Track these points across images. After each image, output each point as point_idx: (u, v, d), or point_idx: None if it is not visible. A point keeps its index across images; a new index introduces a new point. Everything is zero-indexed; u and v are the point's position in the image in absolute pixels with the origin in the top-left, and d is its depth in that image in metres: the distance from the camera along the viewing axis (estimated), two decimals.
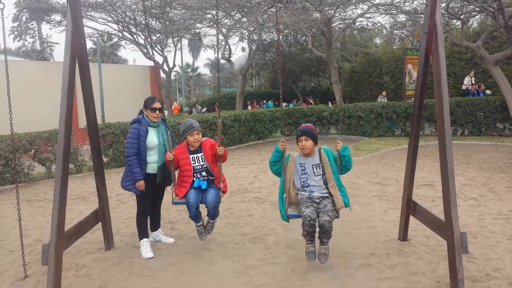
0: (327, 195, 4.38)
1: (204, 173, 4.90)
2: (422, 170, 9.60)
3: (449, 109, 13.08)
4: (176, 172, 5.01)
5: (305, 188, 4.43)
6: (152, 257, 4.97)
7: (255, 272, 4.49)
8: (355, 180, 8.93)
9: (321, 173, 4.43)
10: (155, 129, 5.12)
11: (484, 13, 17.69)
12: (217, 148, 4.81)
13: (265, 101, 31.53)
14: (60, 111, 4.06)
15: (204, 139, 5.03)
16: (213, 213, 4.85)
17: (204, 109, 33.56)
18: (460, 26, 18.96)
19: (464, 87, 19.97)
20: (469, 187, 7.96)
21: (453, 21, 20.79)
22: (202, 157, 4.90)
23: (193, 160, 4.89)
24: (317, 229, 4.24)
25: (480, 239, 5.17)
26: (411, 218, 5.10)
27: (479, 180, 8.57)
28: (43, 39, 43.40)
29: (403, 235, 5.18)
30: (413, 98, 15.87)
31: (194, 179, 4.86)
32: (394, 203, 6.82)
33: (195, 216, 4.81)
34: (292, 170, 4.49)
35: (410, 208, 5.01)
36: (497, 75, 15.91)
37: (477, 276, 4.14)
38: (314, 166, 4.45)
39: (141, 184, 4.96)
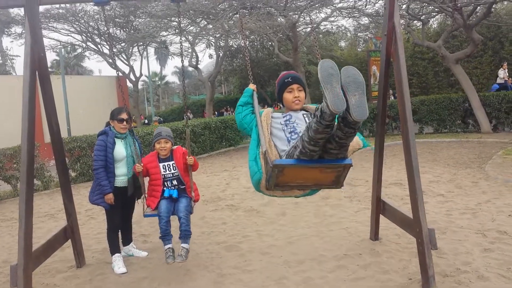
0: None
1: (175, 182, 4.77)
2: (390, 169, 9.80)
3: (414, 108, 13.37)
4: (146, 181, 4.90)
5: (294, 140, 3.19)
6: (125, 272, 4.87)
7: (230, 280, 4.48)
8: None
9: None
10: (122, 140, 5.02)
11: (443, 13, 18.25)
12: (187, 157, 4.73)
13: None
14: (22, 126, 3.95)
15: (175, 147, 4.94)
16: (185, 228, 4.51)
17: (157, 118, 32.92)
18: (421, 27, 19.51)
19: (500, 80, 18.17)
20: (437, 183, 8.17)
21: (414, 22, 21.37)
22: (174, 165, 4.78)
23: (163, 168, 4.77)
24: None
25: (449, 234, 5.30)
26: (382, 217, 5.20)
27: (446, 176, 8.81)
28: (3, 52, 42.17)
29: (375, 235, 5.26)
30: (374, 101, 16.07)
31: (164, 188, 4.71)
32: (364, 203, 6.92)
33: (166, 231, 4.50)
34: (268, 125, 3.37)
35: (379, 207, 5.10)
36: (458, 73, 16.43)
37: (447, 271, 4.24)
38: (305, 115, 3.45)
39: (109, 197, 4.86)
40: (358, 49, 31.04)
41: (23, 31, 23.38)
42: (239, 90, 39.61)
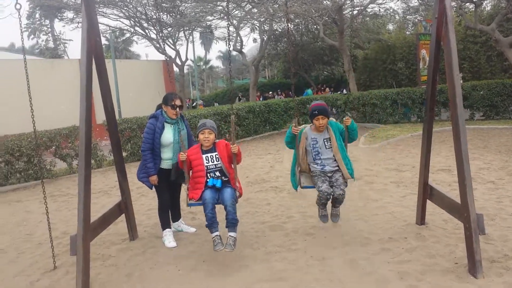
0: (337, 168, 4.88)
1: (217, 173, 4.68)
2: (438, 155, 9.59)
3: (465, 94, 12.98)
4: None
5: (317, 161, 4.91)
6: (175, 247, 5.12)
7: (275, 258, 4.61)
8: (372, 167, 8.97)
9: (331, 146, 4.88)
10: (172, 126, 5.15)
11: None
12: (231, 146, 4.64)
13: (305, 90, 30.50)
14: (80, 108, 4.18)
15: (218, 140, 4.87)
16: (232, 216, 4.44)
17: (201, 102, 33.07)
18: (473, 9, 18.67)
19: None
20: (487, 170, 7.95)
21: (466, 4, 20.46)
22: (217, 156, 4.71)
23: (206, 160, 4.70)
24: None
25: (498, 221, 5.20)
26: (429, 203, 5.16)
27: (497, 163, 8.53)
28: (56, 37, 43.85)
29: (421, 219, 5.23)
30: (423, 86, 15.68)
31: (208, 179, 4.66)
32: (411, 189, 6.86)
33: (212, 217, 4.43)
34: (304, 144, 4.94)
35: (426, 192, 5.06)
36: None
37: (495, 257, 4.19)
38: (325, 140, 4.91)
39: (154, 179, 5.09)
40: (407, 32, 30.06)
41: (75, 16, 24.28)
42: (282, 75, 39.48)
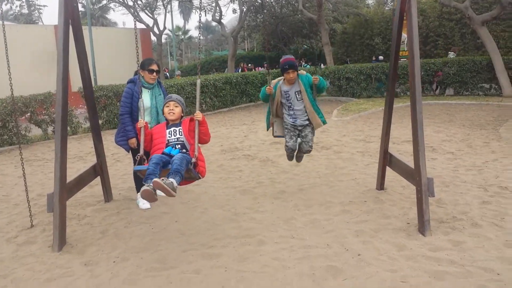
0: (307, 122, 5.27)
1: (178, 147, 4.21)
2: (406, 128, 9.99)
3: (437, 69, 13.34)
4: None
5: (290, 112, 5.28)
6: (148, 208, 5.36)
7: (243, 218, 4.91)
8: (341, 138, 9.32)
9: (302, 98, 5.20)
10: (149, 91, 5.28)
11: None
12: (195, 114, 4.23)
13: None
14: (57, 71, 4.31)
15: (187, 117, 4.48)
16: (177, 167, 3.77)
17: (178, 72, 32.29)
18: None
19: None
20: (449, 142, 8.38)
21: None
22: (180, 130, 4.31)
23: (169, 134, 4.32)
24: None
25: (452, 188, 5.60)
26: (391, 170, 5.50)
27: (459, 136, 8.99)
28: (30, 2, 42.51)
29: (380, 185, 5.60)
30: (402, 59, 15.97)
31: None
32: (375, 158, 7.20)
33: (152, 171, 3.76)
34: (279, 96, 5.28)
35: (386, 159, 5.41)
36: (484, 36, 16.13)
37: (444, 219, 4.57)
38: (296, 93, 5.21)
39: (133, 141, 5.26)
40: (386, 8, 30.33)
41: None
42: (262, 47, 39.34)
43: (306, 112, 5.24)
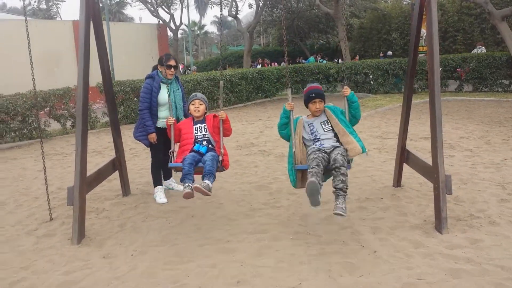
0: (338, 144, 4.16)
1: (205, 143, 4.64)
2: (423, 125, 9.89)
3: (456, 65, 13.23)
4: (177, 146, 4.82)
5: (316, 142, 4.24)
6: (165, 202, 5.42)
7: (259, 214, 4.94)
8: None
9: (330, 128, 4.28)
10: (167, 86, 5.33)
11: None
12: (219, 113, 4.61)
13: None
14: (78, 66, 4.41)
15: (209, 113, 4.91)
16: (210, 168, 4.25)
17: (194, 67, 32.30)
18: None
19: None
20: (467, 139, 8.28)
21: None
22: (205, 127, 4.73)
23: (195, 130, 4.73)
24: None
25: (470, 185, 5.55)
26: (407, 167, 5.47)
27: (478, 133, 8.87)
28: None
29: (397, 182, 5.57)
30: (420, 54, 15.81)
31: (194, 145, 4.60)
32: (392, 155, 7.17)
33: (188, 171, 4.21)
34: (301, 132, 4.34)
35: (403, 156, 5.37)
36: (503, 31, 15.81)
37: (461, 216, 4.54)
38: (322, 123, 4.33)
39: (153, 136, 5.34)
40: (404, 2, 29.95)
41: None
42: (277, 42, 39.22)
43: (336, 139, 4.24)
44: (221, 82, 4.87)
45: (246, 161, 7.40)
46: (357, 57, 24.00)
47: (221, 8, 5.09)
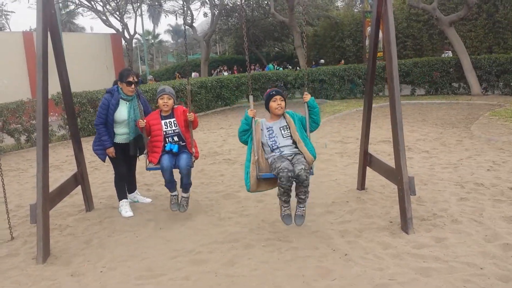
0: (298, 151, 4.28)
1: (175, 138, 4.95)
2: (381, 128, 10.20)
3: (407, 70, 13.74)
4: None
5: (275, 150, 4.30)
6: (131, 216, 5.29)
7: (229, 223, 4.92)
8: (318, 140, 9.42)
9: (289, 134, 4.33)
10: (127, 103, 5.18)
11: None
12: (187, 114, 4.89)
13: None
14: (37, 78, 4.25)
15: (176, 106, 5.10)
16: (186, 181, 4.90)
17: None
18: None
19: None
20: (423, 141, 8.61)
21: None
22: (174, 122, 4.95)
23: (165, 125, 4.94)
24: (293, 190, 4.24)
25: (430, 186, 5.76)
26: (369, 170, 5.62)
27: (433, 135, 9.24)
28: None
29: (361, 185, 5.71)
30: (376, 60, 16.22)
31: (165, 144, 4.91)
32: (354, 159, 7.35)
33: (170, 181, 4.88)
34: (259, 134, 4.37)
35: (366, 160, 5.51)
36: (451, 36, 16.62)
37: (425, 216, 4.70)
38: (281, 128, 4.36)
39: (110, 151, 5.20)
40: (355, 10, 30.87)
41: None
42: (234, 50, 39.38)
43: (295, 146, 4.32)
44: (189, 86, 5.25)
45: (211, 170, 7.36)
46: (342, 61, 24.25)
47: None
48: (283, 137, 4.33)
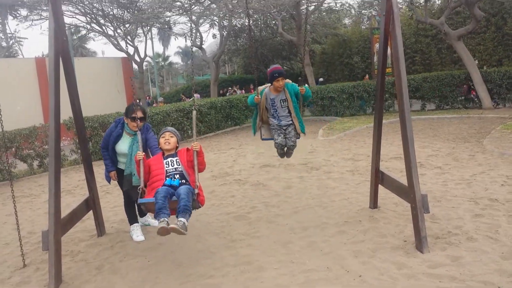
0: (291, 122, 5.48)
1: (177, 176, 4.36)
2: (391, 144, 10.12)
3: (417, 85, 13.73)
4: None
5: (275, 116, 5.52)
6: (143, 240, 5.29)
7: (240, 245, 4.87)
8: (329, 158, 9.39)
9: (286, 105, 5.46)
10: (130, 137, 5.19)
11: None
12: (192, 144, 4.43)
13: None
14: (49, 104, 4.33)
15: (181, 148, 4.70)
16: (185, 203, 4.01)
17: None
18: (424, 4, 19.55)
19: None
20: (435, 157, 8.51)
21: None
22: (177, 160, 4.47)
23: (166, 164, 4.44)
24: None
25: (443, 202, 5.67)
26: (381, 188, 5.56)
27: (445, 150, 9.14)
28: (10, 35, 42.28)
29: (374, 203, 5.64)
30: (385, 76, 16.31)
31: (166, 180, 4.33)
32: (365, 176, 7.28)
33: (162, 204, 3.99)
34: (264, 103, 5.50)
35: (378, 178, 5.46)
36: (460, 50, 16.58)
37: (439, 234, 4.62)
38: (281, 101, 5.45)
39: (113, 174, 5.30)
40: (362, 27, 30.98)
41: (28, 14, 23.64)
42: (243, 70, 39.68)
43: (290, 115, 5.48)
44: (194, 112, 4.84)
45: (222, 191, 7.34)
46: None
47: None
48: (282, 107, 5.47)
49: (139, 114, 5.07)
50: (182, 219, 3.92)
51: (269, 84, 5.51)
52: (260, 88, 5.53)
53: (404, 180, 4.89)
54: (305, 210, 5.91)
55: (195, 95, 27.39)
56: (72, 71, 4.90)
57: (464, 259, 3.94)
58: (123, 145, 5.24)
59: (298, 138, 5.52)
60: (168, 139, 4.60)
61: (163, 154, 4.59)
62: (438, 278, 3.62)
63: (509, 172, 6.88)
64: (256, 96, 5.42)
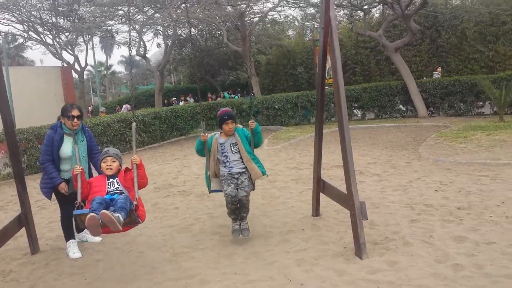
0: (244, 170, 5.16)
1: (117, 195, 4.24)
2: (333, 153, 10.37)
3: (357, 95, 14.23)
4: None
5: (226, 164, 5.21)
6: (80, 257, 5.05)
7: (183, 258, 4.78)
8: (274, 167, 9.48)
9: (237, 150, 5.20)
10: (72, 138, 4.99)
11: (383, 3, 19.13)
12: (132, 158, 4.32)
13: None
14: None
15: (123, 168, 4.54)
16: (121, 204, 3.94)
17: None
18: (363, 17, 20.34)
19: None
20: (374, 165, 8.82)
21: (357, 11, 22.18)
22: (117, 181, 4.37)
23: (108, 185, 4.33)
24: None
25: (382, 209, 5.87)
26: (323, 196, 5.67)
27: (383, 158, 9.49)
28: None
29: (316, 212, 5.74)
30: (327, 87, 16.75)
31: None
32: (308, 185, 7.38)
33: (96, 208, 3.83)
34: (215, 150, 5.24)
35: (320, 186, 5.57)
36: (397, 62, 17.37)
37: (377, 240, 4.76)
38: (231, 145, 5.22)
39: (62, 186, 5.01)
40: (306, 38, 31.68)
41: None
42: (188, 80, 39.37)
43: (242, 161, 5.17)
44: (134, 124, 4.63)
45: (165, 203, 7.20)
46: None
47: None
48: (233, 153, 5.21)
49: (75, 112, 4.96)
50: (118, 214, 3.82)
51: (218, 132, 5.36)
52: (208, 135, 5.24)
53: (344, 189, 5.01)
54: (250, 220, 5.86)
55: (124, 106, 26.74)
56: (2, 80, 4.63)
57: (401, 264, 4.08)
58: (66, 148, 5.00)
59: (253, 189, 5.13)
60: (110, 164, 4.41)
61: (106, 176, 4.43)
62: (377, 284, 3.72)
63: (443, 178, 7.25)
64: (202, 134, 5.13)
